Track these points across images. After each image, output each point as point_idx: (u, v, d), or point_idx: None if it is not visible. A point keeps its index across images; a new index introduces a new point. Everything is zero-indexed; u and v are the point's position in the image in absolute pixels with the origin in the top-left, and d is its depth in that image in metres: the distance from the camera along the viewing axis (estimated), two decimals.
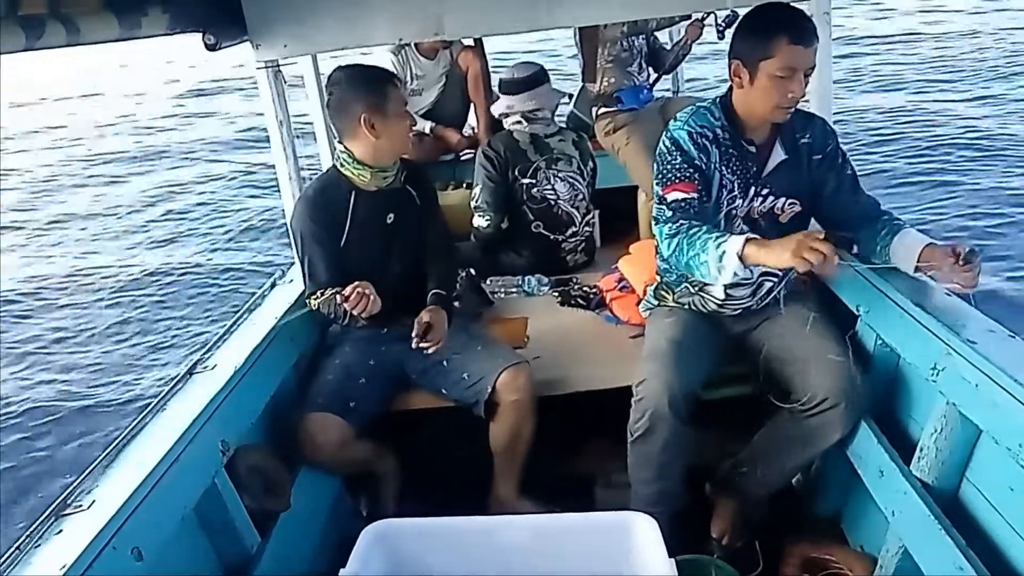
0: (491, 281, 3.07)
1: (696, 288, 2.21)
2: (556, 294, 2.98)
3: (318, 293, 2.23)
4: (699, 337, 2.15)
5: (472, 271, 2.94)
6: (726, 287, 2.14)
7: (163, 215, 7.88)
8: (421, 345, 2.17)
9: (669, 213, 1.96)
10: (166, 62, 14.03)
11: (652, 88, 3.74)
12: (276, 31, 2.32)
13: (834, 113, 2.40)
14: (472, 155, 3.63)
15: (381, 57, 3.67)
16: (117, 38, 1.78)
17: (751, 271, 1.77)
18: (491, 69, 4.00)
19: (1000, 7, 11.92)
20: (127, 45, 1.94)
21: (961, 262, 1.84)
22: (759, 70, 1.90)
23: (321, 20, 2.29)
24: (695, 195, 1.95)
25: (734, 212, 2.07)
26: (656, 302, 2.33)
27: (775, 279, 2.18)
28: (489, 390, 2.19)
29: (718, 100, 2.05)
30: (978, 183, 6.29)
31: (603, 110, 3.59)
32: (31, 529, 1.42)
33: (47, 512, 1.46)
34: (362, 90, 2.18)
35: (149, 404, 1.85)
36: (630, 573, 1.55)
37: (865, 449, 1.99)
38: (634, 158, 3.45)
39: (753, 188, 2.06)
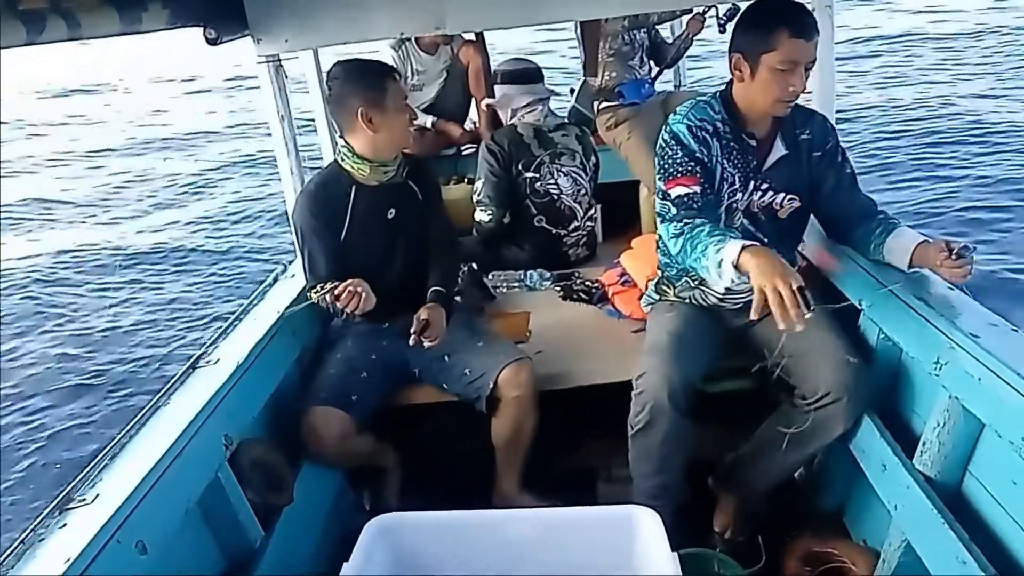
0: (493, 276, 3.07)
1: (697, 282, 2.20)
2: (558, 288, 2.98)
3: (318, 287, 2.23)
4: (700, 331, 2.15)
5: (474, 265, 2.94)
6: None
7: None
8: (422, 341, 2.17)
9: (673, 210, 1.96)
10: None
11: (654, 82, 3.73)
12: (277, 25, 2.32)
13: (836, 112, 2.40)
14: (473, 150, 3.63)
15: (382, 52, 3.67)
16: (118, 32, 1.78)
17: (747, 277, 1.76)
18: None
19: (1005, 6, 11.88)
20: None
21: (954, 257, 1.85)
22: (760, 63, 1.89)
23: (322, 14, 2.29)
24: (698, 189, 1.95)
25: (735, 206, 2.07)
26: (657, 296, 2.33)
27: None
28: (491, 386, 2.19)
29: (718, 94, 2.05)
30: (984, 174, 6.31)
31: (604, 104, 3.58)
32: (35, 523, 1.42)
33: (51, 506, 1.47)
34: (360, 84, 2.18)
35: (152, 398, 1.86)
36: (633, 567, 1.55)
37: (868, 443, 1.99)
38: (636, 152, 3.44)
39: (753, 182, 2.06)
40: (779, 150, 2.06)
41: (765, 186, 2.07)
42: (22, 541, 1.38)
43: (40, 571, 1.31)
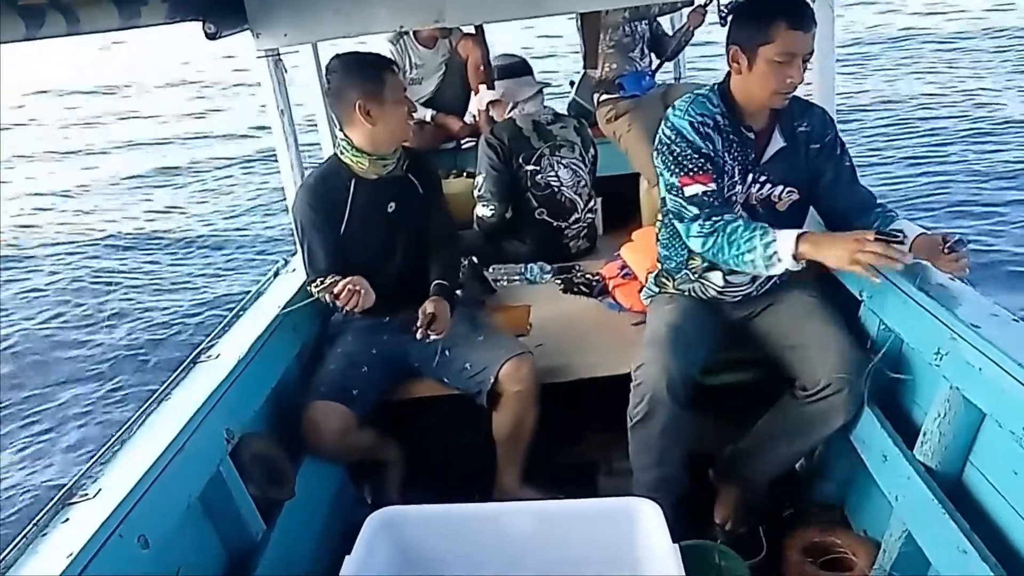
0: (493, 269, 3.07)
1: (696, 275, 2.20)
2: (559, 282, 2.98)
3: (318, 281, 2.23)
4: (699, 323, 2.15)
5: (474, 259, 2.94)
6: (726, 274, 2.14)
7: None
8: (428, 334, 2.17)
9: (694, 209, 1.96)
10: None
11: (654, 75, 3.72)
12: (276, 19, 2.31)
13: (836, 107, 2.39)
14: (473, 143, 3.63)
15: (380, 47, 3.66)
16: (117, 27, 1.77)
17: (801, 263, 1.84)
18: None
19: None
20: None
21: (947, 250, 1.85)
22: (758, 55, 1.89)
23: (321, 8, 2.28)
24: (713, 186, 1.96)
25: (733, 198, 2.06)
26: (657, 289, 2.33)
27: None
28: (492, 380, 2.19)
29: (716, 87, 2.05)
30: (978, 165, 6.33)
31: (604, 97, 3.58)
32: (38, 517, 1.43)
33: (53, 500, 1.47)
34: (357, 77, 2.18)
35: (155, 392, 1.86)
36: (634, 559, 1.55)
37: (868, 434, 1.99)
38: (636, 145, 3.44)
39: (751, 175, 2.06)
40: (777, 142, 2.05)
41: (763, 178, 2.06)
42: (24, 536, 1.38)
43: (43, 565, 1.32)
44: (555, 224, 3.20)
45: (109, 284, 6.12)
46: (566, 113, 3.56)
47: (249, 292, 2.47)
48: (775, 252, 1.82)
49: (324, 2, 2.28)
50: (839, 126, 2.19)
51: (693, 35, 3.69)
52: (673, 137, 1.99)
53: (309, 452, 2.17)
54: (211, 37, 2.23)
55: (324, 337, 2.45)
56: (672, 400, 1.95)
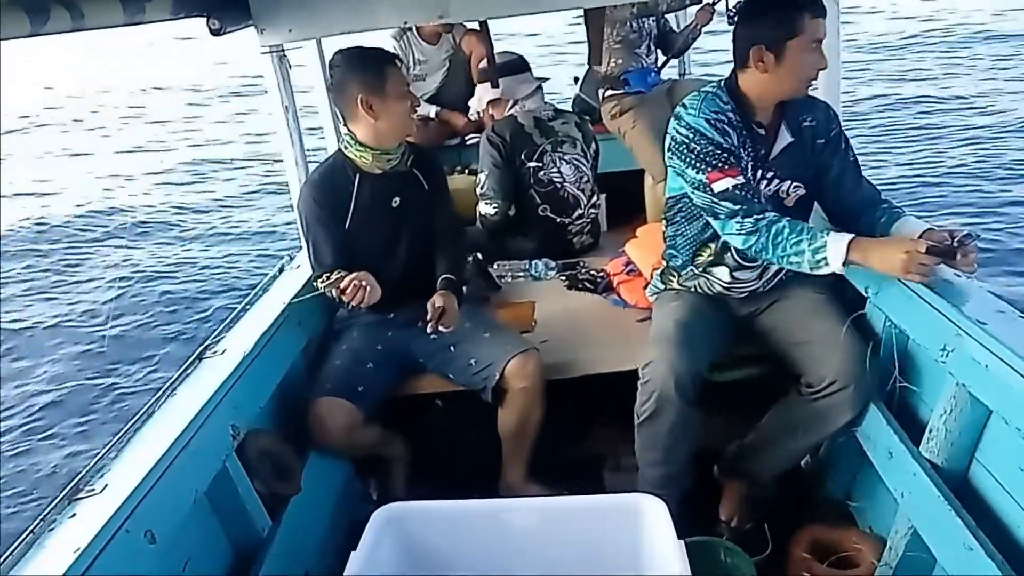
0: (498, 265, 3.07)
1: (701, 270, 2.20)
2: (563, 278, 2.98)
3: (324, 276, 2.23)
4: (705, 319, 2.15)
5: (479, 255, 2.94)
6: (732, 270, 2.14)
7: None
8: (439, 329, 2.17)
9: (728, 205, 1.95)
10: None
11: (660, 71, 3.71)
12: (280, 15, 2.31)
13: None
14: (478, 139, 3.62)
15: (383, 43, 3.65)
16: (122, 23, 1.77)
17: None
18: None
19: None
20: None
21: (956, 246, 1.84)
22: (786, 49, 1.89)
23: (325, 4, 2.28)
24: (742, 180, 1.95)
25: (757, 191, 2.06)
26: (662, 285, 2.33)
27: None
28: (497, 376, 2.20)
29: (722, 84, 2.04)
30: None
31: (609, 92, 3.56)
32: (44, 513, 1.43)
33: (60, 496, 1.47)
34: (359, 71, 2.18)
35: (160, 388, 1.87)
36: (639, 555, 1.55)
37: (874, 431, 1.99)
38: (640, 141, 3.43)
39: (760, 171, 2.05)
40: (785, 138, 2.05)
41: (771, 174, 2.06)
42: (32, 531, 1.39)
43: (50, 561, 1.32)
44: (559, 220, 3.19)
45: None
46: (571, 109, 3.55)
47: (255, 289, 2.48)
48: (824, 257, 1.84)
49: None
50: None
51: (700, 33, 3.67)
52: (691, 136, 1.98)
53: (315, 448, 2.17)
54: (215, 33, 2.22)
55: (330, 333, 2.45)
56: (680, 398, 1.95)
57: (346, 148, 2.29)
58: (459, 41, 3.95)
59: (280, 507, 1.96)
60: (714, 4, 3.44)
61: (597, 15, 3.51)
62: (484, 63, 3.36)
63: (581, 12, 3.64)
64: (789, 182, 2.08)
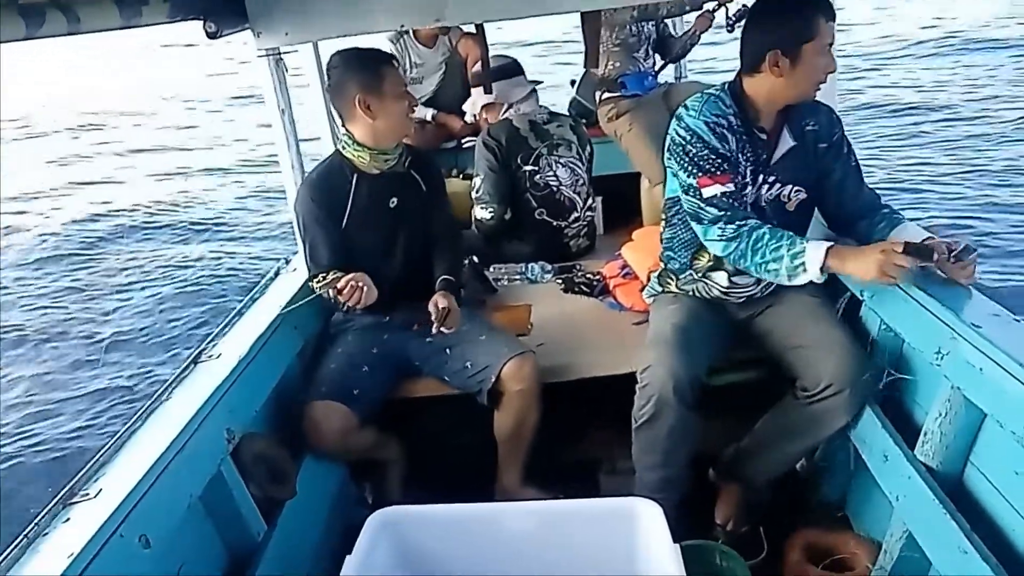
0: (494, 268, 3.07)
1: (700, 274, 2.20)
2: (559, 281, 2.98)
3: (320, 277, 2.22)
4: (703, 323, 2.15)
5: (475, 258, 2.94)
6: (730, 275, 2.14)
7: None
8: (442, 330, 2.16)
9: (713, 211, 1.95)
10: None
11: (657, 75, 3.72)
12: (277, 18, 2.31)
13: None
14: (474, 143, 3.62)
15: (380, 46, 3.65)
16: (118, 27, 1.77)
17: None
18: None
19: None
20: None
21: (953, 260, 1.84)
22: (803, 53, 1.89)
23: (322, 7, 2.28)
24: (732, 187, 1.95)
25: (744, 199, 2.06)
26: (660, 288, 2.33)
27: None
28: (493, 380, 2.19)
29: (726, 87, 2.03)
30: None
31: (606, 95, 3.57)
32: (39, 517, 1.43)
33: (54, 500, 1.47)
34: (356, 71, 2.19)
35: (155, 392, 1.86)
36: (635, 559, 1.55)
37: (869, 434, 1.99)
38: (636, 144, 3.43)
39: (762, 175, 2.05)
40: (787, 142, 2.04)
41: (773, 178, 2.06)
42: (25, 536, 1.38)
43: (44, 565, 1.31)
44: (555, 223, 3.19)
45: None
46: (568, 112, 3.55)
47: (250, 292, 2.48)
48: (801, 263, 1.84)
49: (325, 1, 2.28)
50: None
51: (700, 39, 3.68)
52: (688, 138, 1.97)
53: (310, 452, 2.17)
54: (212, 36, 2.22)
55: (325, 336, 2.45)
56: (679, 402, 1.95)
57: (344, 148, 2.29)
58: (455, 44, 3.96)
59: (275, 511, 1.95)
60: (713, 11, 3.45)
61: (594, 18, 3.51)
62: (478, 67, 3.35)
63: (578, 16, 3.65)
64: (791, 186, 2.08)
